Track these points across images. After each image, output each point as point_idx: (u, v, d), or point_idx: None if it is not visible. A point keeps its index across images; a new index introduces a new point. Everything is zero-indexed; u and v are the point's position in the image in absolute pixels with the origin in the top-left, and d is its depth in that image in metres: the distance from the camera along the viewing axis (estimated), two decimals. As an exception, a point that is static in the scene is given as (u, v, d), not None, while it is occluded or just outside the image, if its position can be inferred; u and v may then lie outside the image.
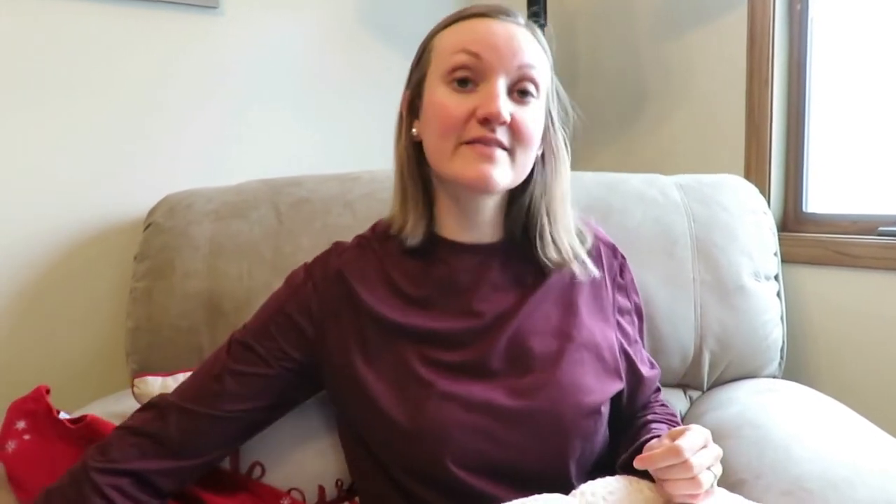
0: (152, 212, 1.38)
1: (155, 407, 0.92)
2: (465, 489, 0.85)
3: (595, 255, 1.02)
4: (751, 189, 1.42)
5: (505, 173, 0.88)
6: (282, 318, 0.95)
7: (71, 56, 1.43)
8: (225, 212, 1.33)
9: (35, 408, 0.94)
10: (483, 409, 0.87)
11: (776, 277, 1.38)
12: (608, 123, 2.04)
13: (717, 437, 1.09)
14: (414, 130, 0.94)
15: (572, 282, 0.98)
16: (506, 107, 0.86)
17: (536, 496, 0.80)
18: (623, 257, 1.06)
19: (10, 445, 0.91)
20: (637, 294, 1.07)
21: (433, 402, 0.86)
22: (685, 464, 0.75)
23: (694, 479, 0.76)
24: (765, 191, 1.58)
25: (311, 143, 1.72)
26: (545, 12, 1.78)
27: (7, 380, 1.40)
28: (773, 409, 1.14)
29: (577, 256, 0.97)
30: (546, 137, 0.95)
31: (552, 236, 0.96)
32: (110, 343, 1.48)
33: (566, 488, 0.82)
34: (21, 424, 0.92)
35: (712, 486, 0.79)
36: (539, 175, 0.95)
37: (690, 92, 1.81)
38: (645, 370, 1.01)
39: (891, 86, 1.46)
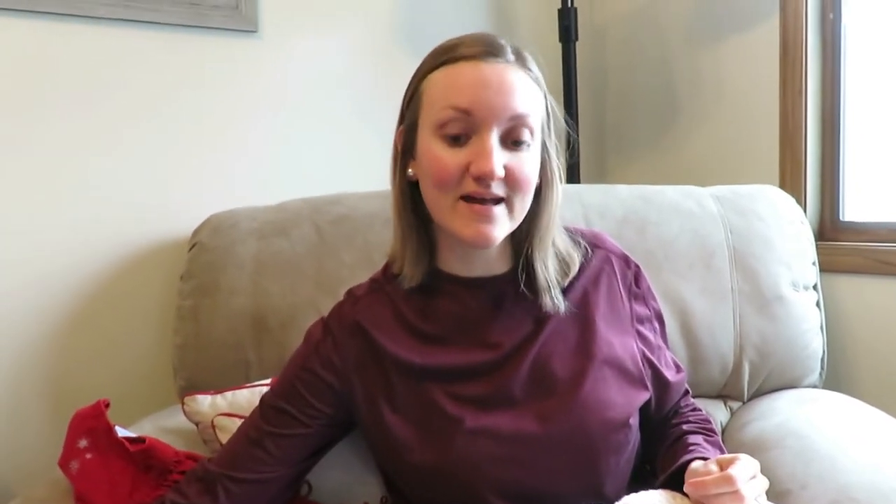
0: (197, 231, 1.42)
1: (201, 480, 0.92)
2: None
3: (607, 269, 1.00)
4: (787, 199, 1.42)
5: (503, 228, 0.87)
6: (307, 375, 0.95)
7: (115, 81, 1.47)
8: (268, 230, 1.37)
9: (95, 425, 0.97)
10: (513, 439, 0.88)
11: (815, 287, 1.38)
12: (641, 136, 2.05)
13: (761, 448, 1.10)
14: (410, 171, 0.91)
15: (586, 298, 0.97)
16: (499, 162, 0.83)
17: None
18: (637, 266, 1.04)
19: (74, 465, 0.94)
20: (655, 300, 1.05)
21: (463, 438, 0.87)
22: (736, 493, 0.76)
23: None
24: (800, 199, 1.58)
25: (350, 161, 1.75)
26: (576, 26, 1.80)
27: (64, 389, 1.45)
28: (816, 420, 1.14)
29: (549, 291, 0.93)
30: (542, 169, 0.91)
31: (531, 266, 0.93)
32: (159, 359, 1.52)
33: None
34: (83, 443, 0.95)
35: None
36: (533, 205, 0.92)
37: (723, 103, 1.81)
38: (670, 375, 1.00)
39: (927, 93, 1.46)
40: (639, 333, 0.99)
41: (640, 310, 1.02)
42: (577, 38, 1.80)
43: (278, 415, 0.94)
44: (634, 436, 0.94)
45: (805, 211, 1.58)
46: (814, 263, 1.38)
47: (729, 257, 1.32)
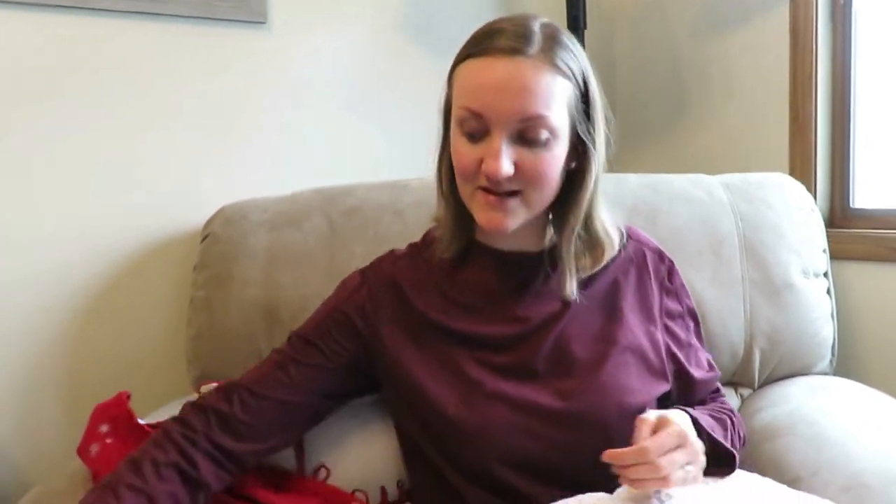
0: (209, 223, 1.43)
1: (222, 389, 0.97)
2: (511, 488, 0.89)
3: (638, 261, 1.03)
4: (797, 186, 1.42)
5: (517, 217, 0.91)
6: (338, 315, 1.01)
7: (123, 73, 1.48)
8: (279, 221, 1.37)
9: (117, 413, 0.98)
10: (529, 409, 0.90)
11: (825, 274, 1.38)
12: (650, 124, 2.05)
13: (773, 436, 1.11)
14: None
15: (616, 287, 1.00)
16: (507, 163, 0.86)
17: (580, 496, 0.83)
18: (671, 261, 1.06)
19: (94, 448, 0.96)
20: (689, 297, 1.08)
21: (481, 399, 0.91)
22: (651, 466, 0.76)
23: (664, 479, 0.77)
24: (811, 187, 1.58)
25: (360, 152, 1.76)
26: (584, 15, 1.79)
27: (79, 380, 1.46)
28: (827, 406, 1.14)
29: (566, 275, 0.95)
30: (578, 156, 0.94)
31: (556, 247, 0.97)
32: (172, 350, 1.53)
33: (612, 488, 0.84)
34: (104, 428, 0.97)
35: (693, 479, 0.80)
36: (571, 187, 0.95)
37: (732, 90, 1.81)
38: (698, 373, 1.02)
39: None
40: (667, 328, 1.02)
41: (672, 305, 1.04)
42: (585, 27, 1.79)
43: (305, 346, 0.99)
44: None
45: (815, 198, 1.57)
46: (824, 251, 1.38)
47: (739, 245, 1.32)
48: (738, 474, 0.89)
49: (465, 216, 0.97)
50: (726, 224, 1.33)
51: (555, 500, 0.83)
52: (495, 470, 0.89)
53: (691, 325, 1.06)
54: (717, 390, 1.08)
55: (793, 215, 1.36)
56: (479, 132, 0.88)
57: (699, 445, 0.82)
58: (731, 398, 1.31)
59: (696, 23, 1.89)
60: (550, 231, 0.99)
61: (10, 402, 1.41)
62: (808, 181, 1.59)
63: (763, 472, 1.03)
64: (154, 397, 1.41)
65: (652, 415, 0.83)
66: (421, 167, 1.74)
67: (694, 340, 1.05)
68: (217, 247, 1.37)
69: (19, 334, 1.41)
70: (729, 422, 0.99)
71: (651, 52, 2.02)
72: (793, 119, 1.64)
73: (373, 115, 1.77)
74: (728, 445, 0.90)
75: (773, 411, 1.19)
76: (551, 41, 0.88)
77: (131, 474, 0.85)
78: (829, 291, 1.37)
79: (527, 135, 0.87)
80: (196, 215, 1.50)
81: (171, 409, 1.28)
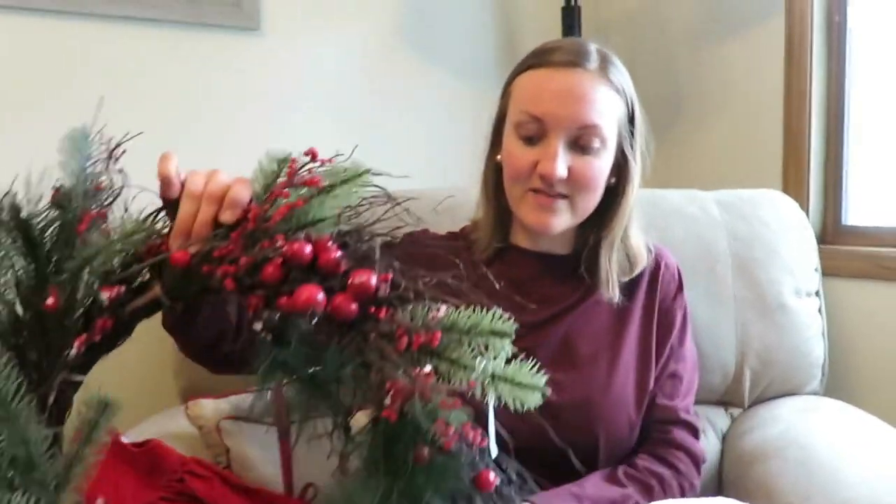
0: (198, 232, 1.41)
1: None
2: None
3: (653, 276, 1.07)
4: (790, 204, 1.42)
5: (563, 220, 0.98)
6: None
7: (116, 78, 1.46)
8: (269, 232, 1.35)
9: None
10: None
11: (817, 293, 1.37)
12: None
13: (763, 458, 1.11)
14: (499, 157, 1.02)
15: (631, 297, 1.04)
16: (562, 165, 0.93)
17: None
18: (681, 282, 1.11)
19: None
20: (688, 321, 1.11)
21: None
22: None
23: None
24: (803, 203, 1.58)
25: (353, 158, 1.75)
26: (579, 24, 1.79)
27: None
28: (818, 429, 1.14)
29: (608, 282, 1.01)
30: (618, 171, 1.01)
31: (596, 256, 1.02)
32: (159, 361, 1.51)
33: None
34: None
35: None
36: (607, 200, 1.01)
37: (727, 104, 1.80)
38: (662, 398, 1.03)
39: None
40: (659, 348, 1.05)
41: (671, 328, 1.07)
42: (581, 37, 1.79)
43: None
44: (635, 432, 1.01)
45: (808, 214, 1.57)
46: (816, 270, 1.38)
47: (732, 264, 1.31)
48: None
49: (505, 219, 1.04)
50: (720, 242, 1.33)
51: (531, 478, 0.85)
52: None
53: (677, 344, 1.08)
54: (677, 423, 1.04)
55: (786, 234, 1.36)
56: (536, 136, 0.95)
57: None
58: (721, 417, 1.31)
59: (691, 34, 1.88)
60: (577, 237, 1.05)
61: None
62: (801, 197, 1.59)
63: (753, 496, 1.04)
64: (140, 409, 1.39)
65: None
66: (415, 173, 1.73)
67: (682, 373, 1.06)
68: (206, 257, 1.35)
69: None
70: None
71: (646, 63, 2.01)
72: (786, 134, 1.64)
73: (365, 122, 1.75)
74: None
75: (763, 433, 1.19)
76: (606, 61, 0.98)
77: None
78: (820, 310, 1.37)
79: (581, 141, 0.94)
80: (185, 223, 1.48)
81: (157, 422, 1.28)
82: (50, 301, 0.57)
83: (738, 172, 1.77)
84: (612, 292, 1.01)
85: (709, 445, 1.24)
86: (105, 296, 0.61)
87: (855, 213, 1.59)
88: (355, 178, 0.65)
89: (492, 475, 0.57)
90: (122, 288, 0.63)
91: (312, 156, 0.70)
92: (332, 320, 0.57)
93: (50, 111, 1.40)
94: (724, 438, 1.27)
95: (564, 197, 0.96)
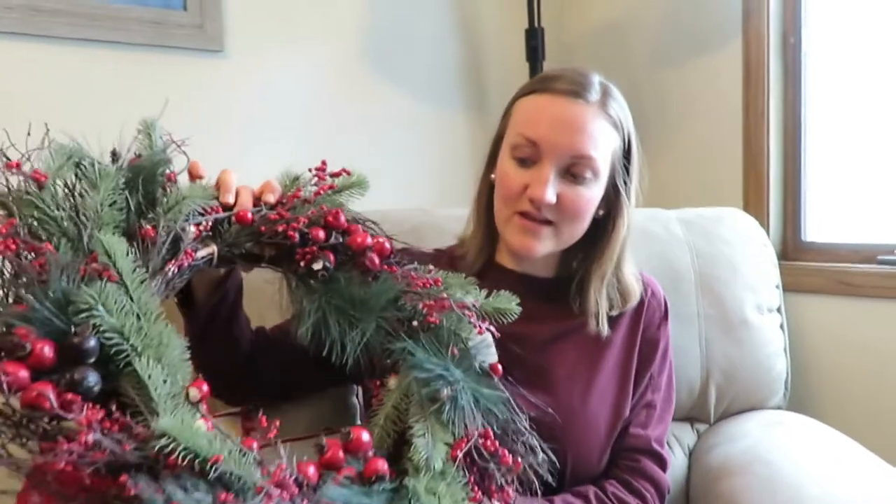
0: (162, 255, 1.39)
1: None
2: None
3: (640, 307, 1.07)
4: (751, 222, 1.45)
5: (546, 245, 0.99)
6: None
7: (77, 101, 1.44)
8: (234, 255, 1.34)
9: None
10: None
11: (779, 309, 1.40)
12: (606, 153, 2.06)
13: (728, 474, 1.12)
14: (493, 176, 1.03)
15: (616, 327, 1.05)
16: (552, 191, 0.94)
17: None
18: (667, 311, 1.11)
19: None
20: (667, 352, 1.11)
21: None
22: None
23: None
24: (763, 220, 1.61)
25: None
26: (543, 47, 1.81)
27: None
28: (782, 445, 1.16)
29: (597, 316, 1.02)
30: (608, 203, 1.02)
31: (585, 288, 1.03)
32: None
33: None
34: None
35: None
36: (595, 232, 1.02)
37: (687, 124, 1.84)
38: (635, 427, 1.04)
39: (885, 116, 1.49)
40: (638, 377, 1.06)
41: (653, 350, 1.08)
42: (544, 59, 1.82)
43: None
44: (605, 456, 1.01)
45: (768, 232, 1.60)
46: (777, 286, 1.41)
47: (695, 282, 1.33)
48: None
49: (492, 238, 1.06)
50: (683, 260, 1.34)
51: None
52: None
53: (656, 374, 1.08)
54: (645, 452, 1.04)
55: (747, 251, 1.38)
56: (530, 159, 0.96)
57: None
58: (688, 433, 1.32)
59: (653, 56, 1.91)
60: (560, 263, 1.06)
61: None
62: (761, 214, 1.62)
63: (718, 513, 1.04)
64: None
65: None
66: (376, 196, 1.73)
67: (657, 403, 1.07)
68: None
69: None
70: None
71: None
72: (746, 153, 1.67)
73: (329, 145, 1.75)
74: None
75: (727, 448, 1.20)
76: (607, 94, 0.99)
77: None
78: (782, 326, 1.39)
79: (573, 170, 0.95)
80: (148, 247, 1.46)
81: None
82: (148, 228, 0.75)
83: (700, 191, 1.80)
84: (600, 327, 1.02)
85: (676, 461, 1.25)
86: (192, 231, 0.79)
87: (814, 230, 1.62)
88: (358, 183, 0.92)
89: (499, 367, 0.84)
90: (209, 224, 0.83)
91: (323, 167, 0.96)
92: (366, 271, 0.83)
93: (10, 134, 1.37)
94: (691, 454, 1.28)
95: (550, 223, 0.97)
